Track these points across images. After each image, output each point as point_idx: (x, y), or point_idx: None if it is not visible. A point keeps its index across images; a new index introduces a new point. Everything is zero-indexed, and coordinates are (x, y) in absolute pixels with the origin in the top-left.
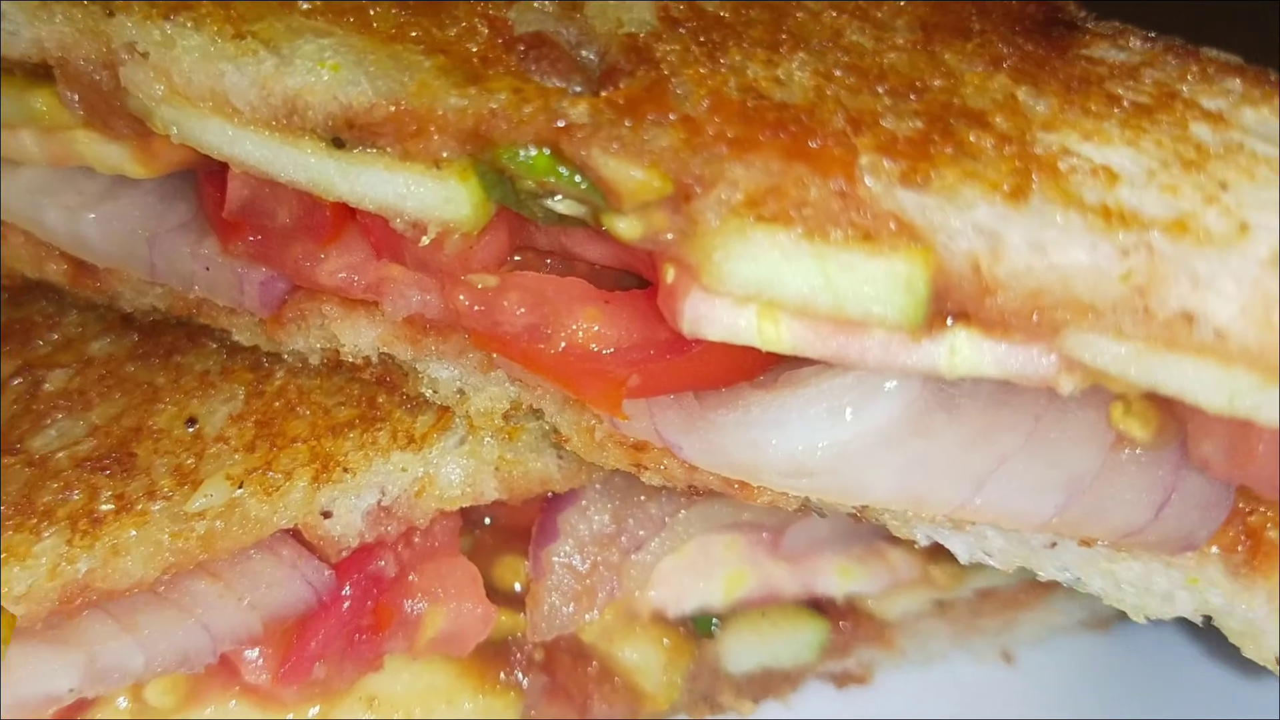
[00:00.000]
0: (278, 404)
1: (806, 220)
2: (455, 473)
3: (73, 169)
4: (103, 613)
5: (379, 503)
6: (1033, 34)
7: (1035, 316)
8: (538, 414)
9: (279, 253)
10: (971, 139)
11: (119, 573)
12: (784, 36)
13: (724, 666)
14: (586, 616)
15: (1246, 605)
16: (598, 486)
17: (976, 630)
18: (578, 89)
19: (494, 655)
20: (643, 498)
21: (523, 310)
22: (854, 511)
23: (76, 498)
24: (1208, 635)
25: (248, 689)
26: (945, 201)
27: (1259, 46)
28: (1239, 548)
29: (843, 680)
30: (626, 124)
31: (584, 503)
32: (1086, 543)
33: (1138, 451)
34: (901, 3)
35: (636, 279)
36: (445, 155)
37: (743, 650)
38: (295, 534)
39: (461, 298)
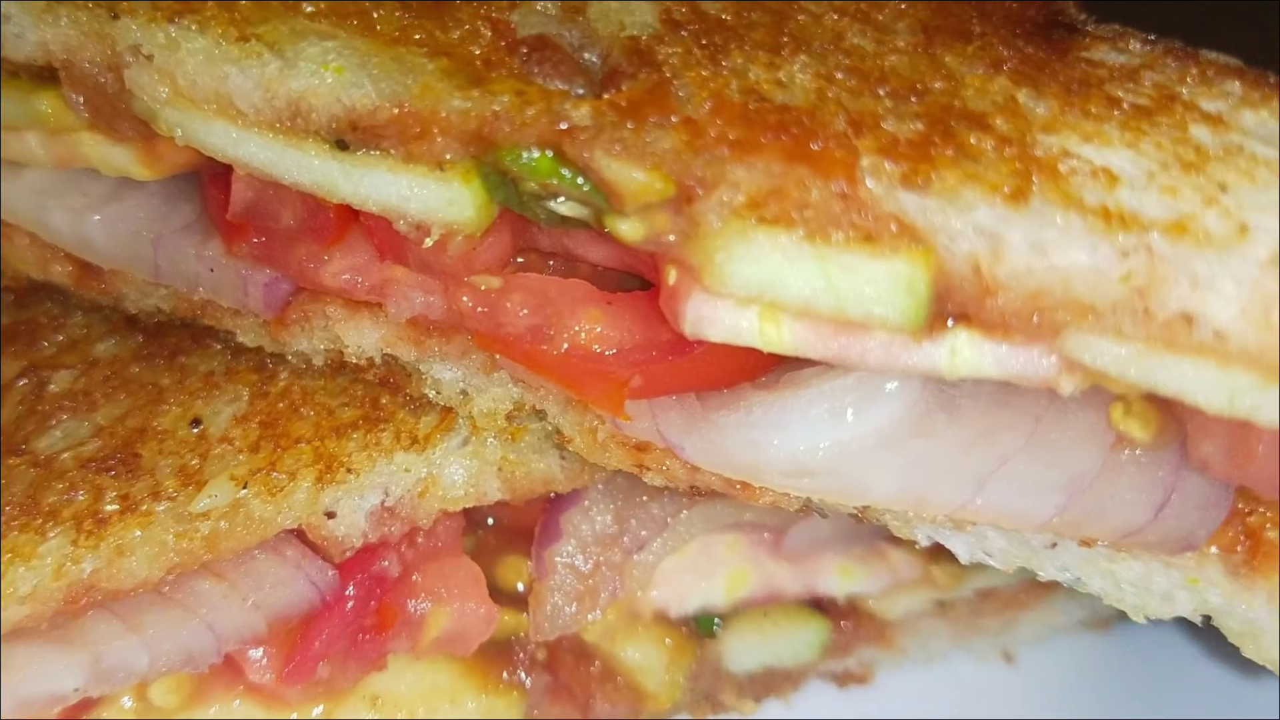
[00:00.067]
0: (282, 405)
1: (808, 222)
2: (458, 473)
3: (78, 171)
4: (108, 613)
5: (382, 503)
6: (1033, 36)
7: (1036, 318)
8: (540, 415)
9: (283, 254)
10: (972, 141)
11: (124, 573)
12: (786, 39)
13: (726, 666)
14: (589, 616)
15: (1246, 605)
16: (600, 487)
17: (977, 630)
18: (580, 91)
19: (497, 655)
20: (645, 498)
21: (525, 311)
22: (855, 512)
23: (81, 498)
24: (1208, 635)
25: (252, 688)
26: (946, 203)
27: (1259, 47)
28: (1238, 548)
29: (844, 680)
30: (629, 126)
31: (586, 503)
32: (1086, 543)
33: (1138, 452)
34: (903, 5)
35: (639, 280)
36: (448, 157)
37: (744, 650)
38: (299, 534)
39: (465, 299)
